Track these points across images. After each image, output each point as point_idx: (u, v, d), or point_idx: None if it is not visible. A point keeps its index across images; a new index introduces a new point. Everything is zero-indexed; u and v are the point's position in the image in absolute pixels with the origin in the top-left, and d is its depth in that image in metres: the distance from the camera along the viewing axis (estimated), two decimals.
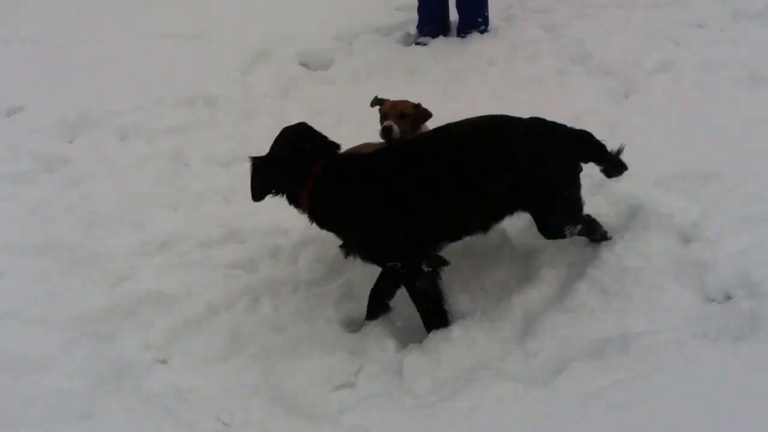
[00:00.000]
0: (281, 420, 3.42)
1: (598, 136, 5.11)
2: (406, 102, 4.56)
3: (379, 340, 3.86)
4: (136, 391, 3.59)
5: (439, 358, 3.63)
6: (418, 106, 4.54)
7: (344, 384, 3.67)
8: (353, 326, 4.10)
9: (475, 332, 3.73)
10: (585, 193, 4.07)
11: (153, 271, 4.47)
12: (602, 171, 4.09)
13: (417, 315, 3.89)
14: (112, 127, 6.07)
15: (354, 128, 6.10)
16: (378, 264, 3.88)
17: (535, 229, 4.07)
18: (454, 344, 3.69)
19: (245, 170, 5.39)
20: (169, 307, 4.16)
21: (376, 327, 3.95)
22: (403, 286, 3.88)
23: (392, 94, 6.61)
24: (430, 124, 4.67)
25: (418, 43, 7.64)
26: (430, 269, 3.76)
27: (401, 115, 4.42)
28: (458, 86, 6.71)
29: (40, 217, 4.92)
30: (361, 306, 4.10)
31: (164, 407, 3.49)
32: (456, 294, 4.03)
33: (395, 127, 4.38)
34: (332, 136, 5.76)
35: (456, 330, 3.76)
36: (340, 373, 3.70)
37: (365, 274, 4.21)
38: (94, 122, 6.09)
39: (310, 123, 6.06)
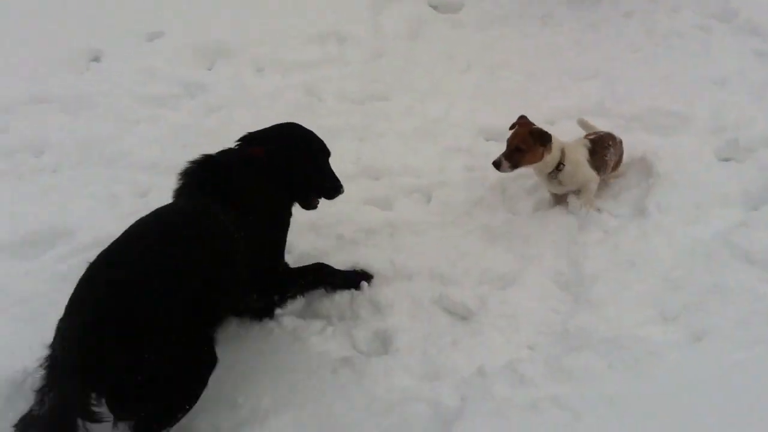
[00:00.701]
0: None
1: (744, 101, 4.98)
2: (522, 133, 4.22)
3: None
4: None
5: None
6: (534, 133, 4.18)
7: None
8: None
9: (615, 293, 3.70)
10: None
11: None
12: None
13: None
14: (248, 58, 6.21)
15: (483, 75, 6.08)
16: None
17: None
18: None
19: (377, 110, 5.52)
20: (303, 236, 4.28)
21: None
22: None
23: (523, 43, 6.53)
24: None
25: None
26: None
27: (516, 149, 4.18)
28: (593, 37, 6.52)
29: (181, 140, 5.13)
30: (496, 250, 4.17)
31: None
32: (593, 252, 4.02)
33: (503, 163, 4.17)
34: (461, 82, 5.87)
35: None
36: None
37: (503, 220, 4.31)
38: (231, 52, 6.25)
39: (440, 67, 6.14)
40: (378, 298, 3.82)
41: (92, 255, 4.03)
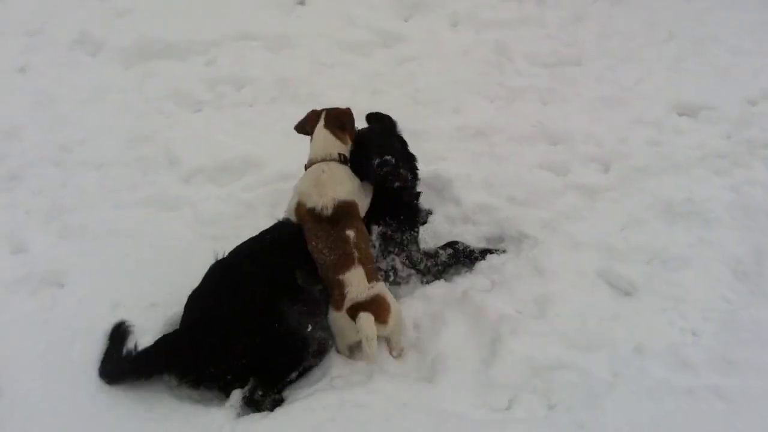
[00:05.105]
0: None
1: None
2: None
3: None
4: None
5: None
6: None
7: None
8: None
9: None
10: None
11: (465, 156, 4.64)
12: None
13: None
14: (445, 12, 6.29)
15: (686, 47, 5.78)
16: None
17: None
18: None
19: (567, 74, 5.40)
20: (474, 192, 4.30)
21: None
22: None
23: (735, 17, 6.08)
24: None
25: None
26: None
27: None
28: None
29: (371, 88, 5.31)
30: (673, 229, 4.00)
31: None
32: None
33: None
34: (660, 53, 5.60)
35: None
36: None
37: (685, 200, 4.09)
38: (429, 5, 6.35)
39: (640, 36, 5.88)
40: (542, 263, 3.78)
41: (276, 188, 4.35)
